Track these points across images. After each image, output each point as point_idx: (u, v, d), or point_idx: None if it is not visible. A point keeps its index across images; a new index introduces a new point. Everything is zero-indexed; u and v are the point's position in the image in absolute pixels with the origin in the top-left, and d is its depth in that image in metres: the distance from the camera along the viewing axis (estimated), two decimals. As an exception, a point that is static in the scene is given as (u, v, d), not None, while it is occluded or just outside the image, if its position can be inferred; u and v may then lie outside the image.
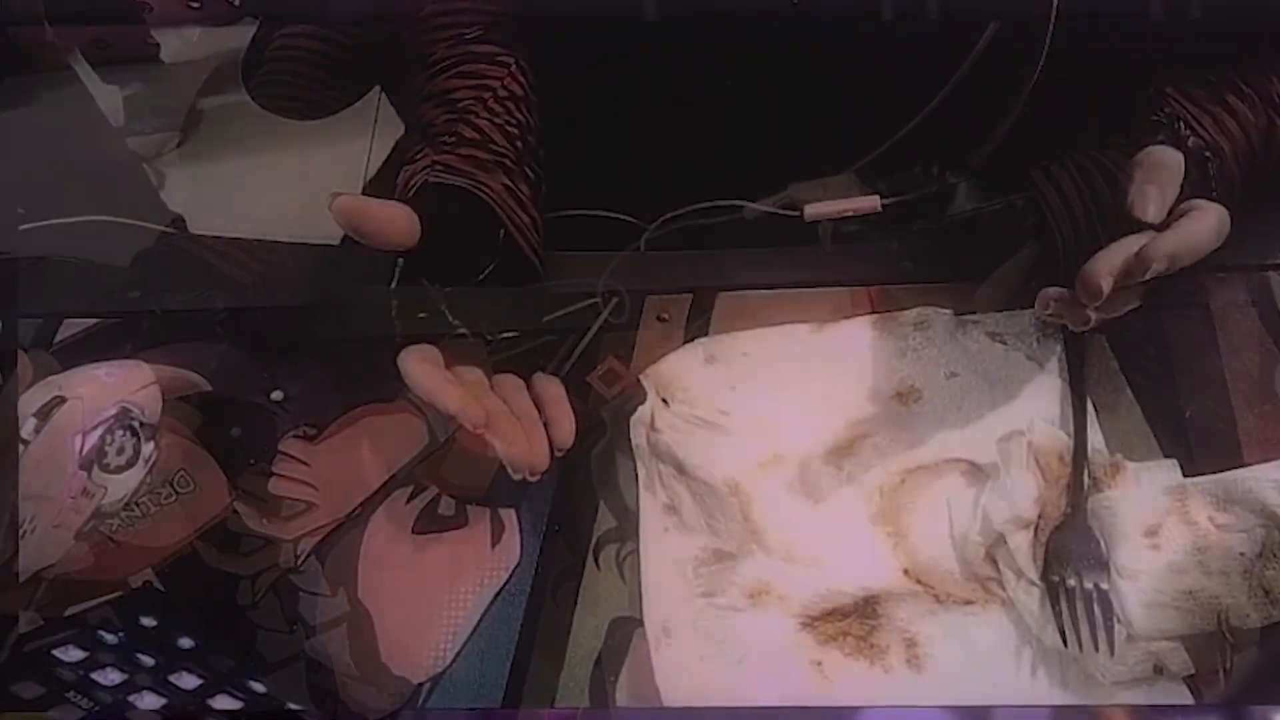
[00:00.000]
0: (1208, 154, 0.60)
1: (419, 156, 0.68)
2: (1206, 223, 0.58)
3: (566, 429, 0.62)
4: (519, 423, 0.60)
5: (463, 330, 0.63)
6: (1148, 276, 0.56)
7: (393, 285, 0.62)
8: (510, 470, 0.60)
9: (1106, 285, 0.56)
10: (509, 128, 0.70)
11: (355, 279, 0.74)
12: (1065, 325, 0.66)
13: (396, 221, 0.60)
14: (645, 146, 0.79)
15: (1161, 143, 0.59)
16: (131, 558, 0.66)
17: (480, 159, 0.68)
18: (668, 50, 0.72)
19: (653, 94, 0.75)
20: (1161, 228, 0.57)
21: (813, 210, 0.68)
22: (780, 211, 0.70)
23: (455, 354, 0.62)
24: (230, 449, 0.69)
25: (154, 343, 0.73)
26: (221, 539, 0.67)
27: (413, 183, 0.66)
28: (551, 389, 0.64)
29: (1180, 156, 0.58)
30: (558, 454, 0.61)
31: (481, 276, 0.65)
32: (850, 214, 0.68)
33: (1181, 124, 0.61)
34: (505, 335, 0.64)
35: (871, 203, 0.68)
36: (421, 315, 0.62)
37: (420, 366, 0.60)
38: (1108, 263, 0.56)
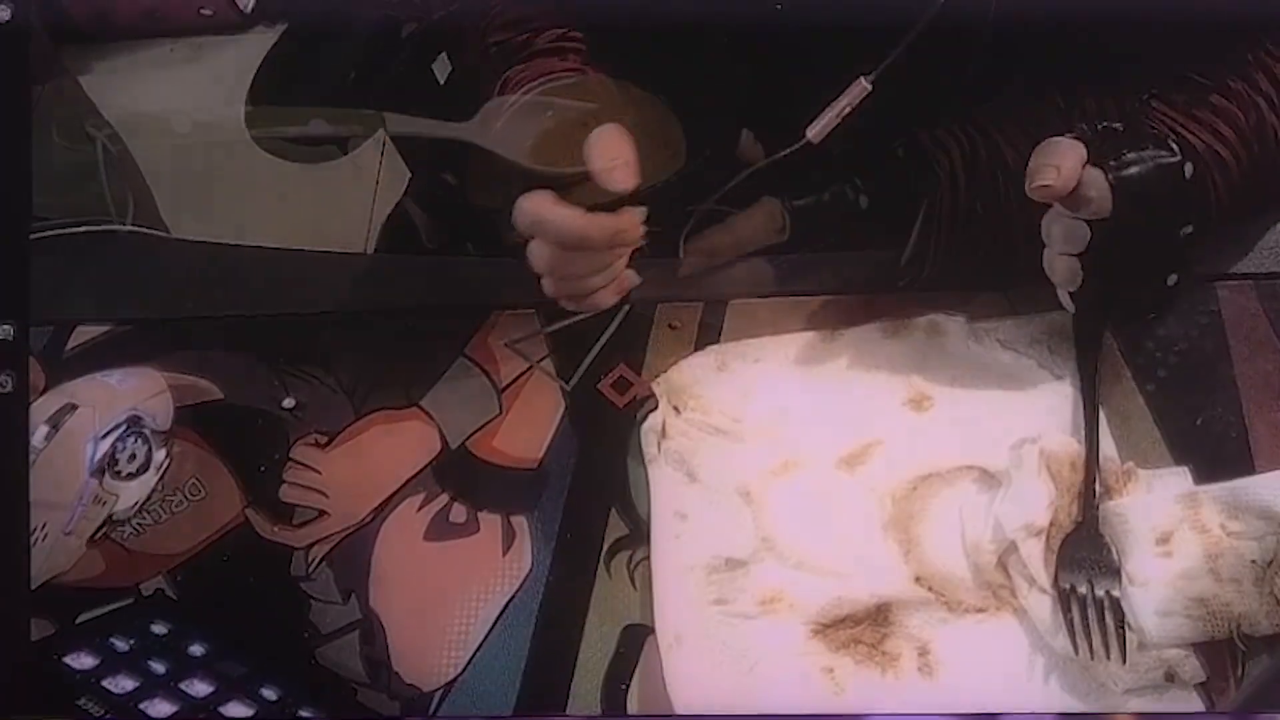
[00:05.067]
0: (1186, 165, 0.59)
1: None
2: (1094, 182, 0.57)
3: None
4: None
5: None
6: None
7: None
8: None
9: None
10: None
11: (367, 287, 0.74)
12: (1077, 333, 0.66)
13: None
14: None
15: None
16: (143, 565, 0.66)
17: None
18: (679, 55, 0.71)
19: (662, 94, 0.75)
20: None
21: (814, 130, 0.66)
22: (786, 153, 0.67)
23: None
24: (242, 456, 0.69)
25: (166, 350, 0.73)
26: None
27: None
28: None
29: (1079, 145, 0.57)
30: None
31: None
32: (848, 109, 0.65)
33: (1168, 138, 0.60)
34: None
35: (860, 89, 0.65)
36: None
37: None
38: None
